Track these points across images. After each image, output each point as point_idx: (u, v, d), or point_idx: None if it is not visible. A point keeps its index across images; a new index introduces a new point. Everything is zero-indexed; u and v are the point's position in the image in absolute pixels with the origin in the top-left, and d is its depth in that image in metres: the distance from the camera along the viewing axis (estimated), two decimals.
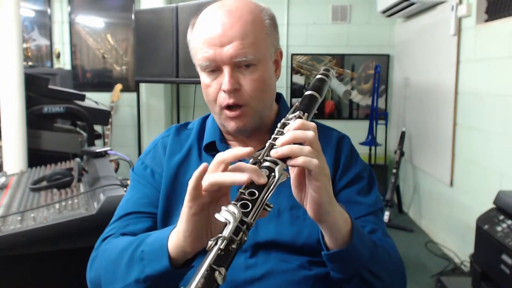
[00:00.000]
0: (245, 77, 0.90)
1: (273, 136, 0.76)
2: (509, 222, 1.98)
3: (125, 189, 1.57)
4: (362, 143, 4.49)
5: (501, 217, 2.04)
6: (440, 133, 3.58)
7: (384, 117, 4.76)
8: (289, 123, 0.76)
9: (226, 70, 0.89)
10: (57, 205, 1.53)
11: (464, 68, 3.23)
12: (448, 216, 3.50)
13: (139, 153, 4.27)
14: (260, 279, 0.89)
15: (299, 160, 0.69)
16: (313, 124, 0.74)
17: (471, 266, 2.26)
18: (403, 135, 4.27)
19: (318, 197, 0.72)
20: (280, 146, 0.71)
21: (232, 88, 0.89)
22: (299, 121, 0.74)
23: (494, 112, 2.81)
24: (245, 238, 0.64)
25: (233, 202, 0.67)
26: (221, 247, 0.61)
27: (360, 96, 4.96)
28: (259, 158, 0.73)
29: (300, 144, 0.71)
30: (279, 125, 0.79)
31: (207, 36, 0.89)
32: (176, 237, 0.75)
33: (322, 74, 0.91)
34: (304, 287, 0.89)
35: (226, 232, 0.63)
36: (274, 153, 0.71)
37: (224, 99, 0.91)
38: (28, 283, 1.45)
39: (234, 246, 0.63)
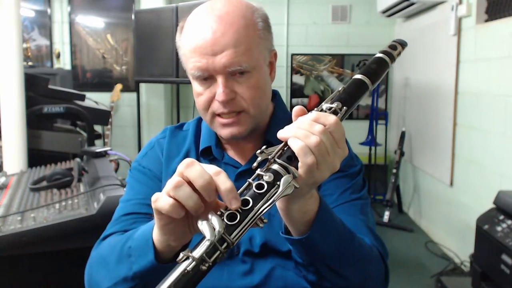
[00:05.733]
0: (240, 84, 0.86)
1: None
2: (509, 222, 1.98)
3: (125, 189, 1.56)
4: (362, 143, 4.49)
5: (501, 217, 2.04)
6: (440, 133, 3.58)
7: (384, 117, 4.76)
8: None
9: (220, 79, 0.85)
10: (57, 205, 1.53)
11: (464, 68, 3.23)
12: (448, 216, 3.50)
13: None
14: (257, 285, 0.88)
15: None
16: (338, 129, 0.65)
17: (471, 266, 2.26)
18: (403, 135, 4.27)
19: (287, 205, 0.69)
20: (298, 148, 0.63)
21: (227, 99, 0.85)
22: (311, 118, 0.65)
23: (494, 112, 2.81)
24: (222, 257, 0.57)
25: (221, 210, 0.61)
26: (188, 268, 0.55)
27: None
28: (269, 157, 0.64)
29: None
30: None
31: (198, 44, 0.84)
32: (157, 234, 0.71)
33: (384, 52, 0.76)
34: None
35: (199, 251, 0.56)
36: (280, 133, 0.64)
37: (218, 107, 0.87)
38: (28, 283, 1.45)
39: (204, 267, 0.56)
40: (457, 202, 3.34)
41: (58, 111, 2.65)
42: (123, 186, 1.59)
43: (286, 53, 4.85)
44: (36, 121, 2.61)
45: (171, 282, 0.54)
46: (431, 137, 3.82)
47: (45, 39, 4.82)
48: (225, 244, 0.57)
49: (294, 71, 4.91)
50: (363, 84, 0.72)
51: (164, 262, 0.72)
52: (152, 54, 3.65)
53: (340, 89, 0.71)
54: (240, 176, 0.93)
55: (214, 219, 0.58)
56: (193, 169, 0.61)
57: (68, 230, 1.40)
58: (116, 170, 3.83)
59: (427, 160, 3.96)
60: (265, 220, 0.61)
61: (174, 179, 0.62)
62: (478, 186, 3.01)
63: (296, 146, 0.62)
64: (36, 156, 2.52)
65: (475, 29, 3.03)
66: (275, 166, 0.62)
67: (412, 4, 3.71)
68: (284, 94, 4.91)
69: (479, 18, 3.00)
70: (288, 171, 0.62)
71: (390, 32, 4.82)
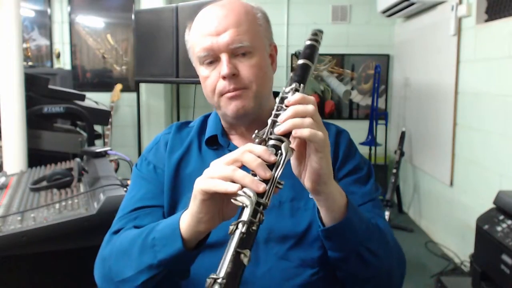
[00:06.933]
0: (242, 64, 0.93)
1: (273, 112, 0.77)
2: (509, 222, 1.98)
3: (125, 189, 1.57)
4: (362, 143, 4.49)
5: (501, 217, 2.04)
6: (440, 133, 3.58)
7: (384, 117, 4.75)
8: (287, 97, 0.78)
9: (224, 57, 0.92)
10: (57, 205, 1.53)
11: (464, 68, 3.23)
12: (448, 216, 3.50)
13: (139, 153, 4.26)
14: (260, 277, 0.89)
15: (305, 133, 0.71)
16: (311, 98, 0.76)
17: (471, 266, 2.26)
18: (403, 135, 4.27)
19: (319, 167, 0.74)
20: (282, 122, 0.74)
21: (230, 73, 0.91)
22: (298, 95, 0.76)
23: (494, 112, 2.81)
24: (263, 218, 0.67)
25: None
26: (242, 230, 0.65)
27: (360, 96, 4.96)
28: (263, 136, 0.75)
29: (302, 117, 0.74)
30: (277, 100, 0.80)
31: (204, 29, 0.94)
32: (188, 219, 0.76)
33: (311, 39, 0.91)
34: (306, 286, 0.90)
35: (246, 216, 0.66)
36: (277, 130, 0.73)
37: (223, 86, 0.93)
38: (28, 283, 1.45)
39: (254, 227, 0.66)
40: (457, 202, 3.34)
41: (58, 111, 2.66)
42: (123, 186, 1.60)
43: (286, 53, 4.85)
44: (36, 121, 2.61)
45: (234, 246, 0.64)
46: (431, 137, 3.82)
47: (45, 39, 4.82)
48: (261, 207, 0.68)
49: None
50: (307, 66, 0.87)
51: (188, 249, 0.78)
52: (152, 54, 3.65)
53: (291, 75, 0.86)
54: None
55: (246, 190, 0.68)
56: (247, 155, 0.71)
57: (68, 230, 1.40)
58: (116, 170, 3.83)
59: (427, 160, 3.96)
60: (282, 182, 0.71)
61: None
62: (478, 186, 3.01)
63: (306, 133, 0.72)
64: (36, 156, 2.52)
65: (475, 29, 3.03)
66: (271, 142, 0.74)
67: (412, 4, 3.71)
68: None
69: (479, 18, 3.00)
70: (282, 141, 0.74)
71: (390, 32, 4.82)
